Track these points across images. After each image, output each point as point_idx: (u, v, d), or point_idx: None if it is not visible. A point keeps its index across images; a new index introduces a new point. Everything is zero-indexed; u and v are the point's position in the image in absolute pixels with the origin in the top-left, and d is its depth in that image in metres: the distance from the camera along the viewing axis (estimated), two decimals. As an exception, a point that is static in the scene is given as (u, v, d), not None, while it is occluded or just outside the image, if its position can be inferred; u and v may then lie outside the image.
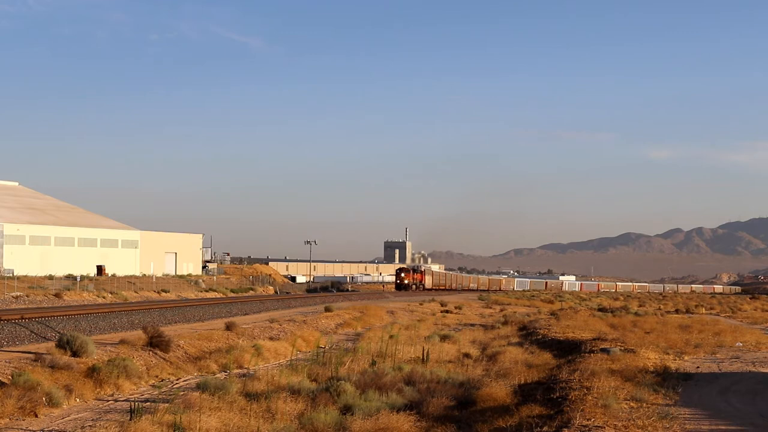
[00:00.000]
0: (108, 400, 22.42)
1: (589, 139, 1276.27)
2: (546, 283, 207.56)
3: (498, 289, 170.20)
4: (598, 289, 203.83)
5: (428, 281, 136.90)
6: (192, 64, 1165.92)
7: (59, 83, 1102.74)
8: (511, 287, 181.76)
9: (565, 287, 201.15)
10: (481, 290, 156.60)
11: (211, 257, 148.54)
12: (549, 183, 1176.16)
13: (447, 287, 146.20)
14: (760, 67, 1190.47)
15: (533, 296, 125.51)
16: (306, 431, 17.82)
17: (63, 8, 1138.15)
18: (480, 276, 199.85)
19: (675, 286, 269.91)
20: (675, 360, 29.27)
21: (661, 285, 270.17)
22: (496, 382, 23.65)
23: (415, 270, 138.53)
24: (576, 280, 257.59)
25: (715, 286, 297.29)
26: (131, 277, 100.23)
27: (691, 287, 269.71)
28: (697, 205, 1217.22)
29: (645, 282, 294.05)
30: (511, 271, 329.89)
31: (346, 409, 19.46)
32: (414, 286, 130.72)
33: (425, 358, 29.63)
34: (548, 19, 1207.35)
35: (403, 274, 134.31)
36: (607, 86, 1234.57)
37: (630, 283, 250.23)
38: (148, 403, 20.65)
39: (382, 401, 20.28)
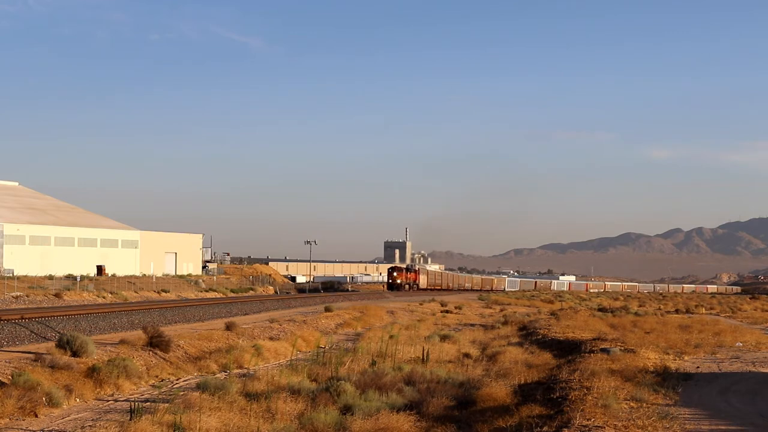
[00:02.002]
0: (108, 400, 22.42)
1: (588, 139, 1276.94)
2: (535, 282, 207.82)
3: (491, 288, 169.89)
4: (587, 289, 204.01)
5: (423, 281, 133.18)
6: (192, 64, 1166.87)
7: (59, 83, 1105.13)
8: (503, 287, 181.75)
9: (554, 287, 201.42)
10: (475, 290, 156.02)
11: (211, 257, 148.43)
12: (549, 183, 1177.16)
13: (443, 287, 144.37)
14: (760, 67, 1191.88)
15: (533, 296, 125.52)
16: (306, 431, 17.82)
17: (63, 8, 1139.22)
18: (474, 276, 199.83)
19: (666, 286, 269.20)
20: (675, 360, 29.29)
21: (652, 285, 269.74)
22: (496, 382, 23.65)
23: (408, 269, 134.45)
24: (576, 280, 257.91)
25: (709, 286, 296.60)
26: (131, 277, 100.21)
27: (683, 287, 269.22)
28: (697, 205, 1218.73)
29: (638, 282, 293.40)
30: (511, 271, 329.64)
31: (346, 409, 19.46)
32: (407, 286, 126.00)
33: (425, 358, 29.63)
34: (548, 19, 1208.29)
35: (395, 273, 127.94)
36: (607, 86, 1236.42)
37: (619, 283, 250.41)
38: (148, 403, 20.64)
39: (382, 401, 20.27)
